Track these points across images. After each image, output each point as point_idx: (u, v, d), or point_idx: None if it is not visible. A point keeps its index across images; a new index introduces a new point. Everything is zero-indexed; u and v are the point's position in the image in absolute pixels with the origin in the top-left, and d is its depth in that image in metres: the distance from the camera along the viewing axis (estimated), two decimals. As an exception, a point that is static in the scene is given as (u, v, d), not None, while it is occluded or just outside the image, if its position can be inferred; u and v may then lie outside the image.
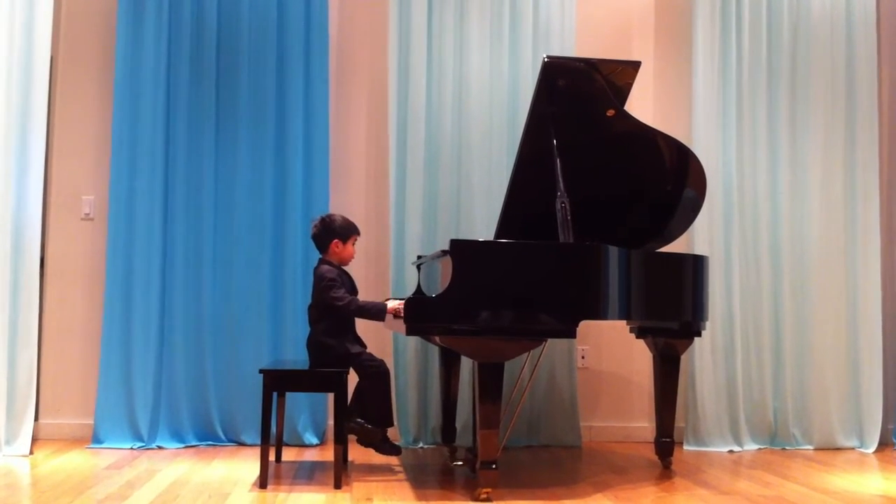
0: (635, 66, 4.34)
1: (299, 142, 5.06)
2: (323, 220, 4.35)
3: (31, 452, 4.64)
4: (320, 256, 4.33)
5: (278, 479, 4.10)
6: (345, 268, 4.33)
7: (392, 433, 4.24)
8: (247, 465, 4.42)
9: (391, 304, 4.00)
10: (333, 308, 4.14)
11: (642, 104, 5.30)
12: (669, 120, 5.31)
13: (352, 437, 4.24)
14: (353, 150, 5.32)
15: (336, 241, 4.28)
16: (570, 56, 4.98)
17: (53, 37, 4.95)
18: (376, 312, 4.07)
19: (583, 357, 5.33)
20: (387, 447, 4.15)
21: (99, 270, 5.03)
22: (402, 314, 3.70)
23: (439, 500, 3.72)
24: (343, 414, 4.00)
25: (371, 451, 4.22)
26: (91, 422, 4.93)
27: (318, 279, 4.21)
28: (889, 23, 5.51)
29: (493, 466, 3.69)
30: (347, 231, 4.30)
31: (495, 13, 5.19)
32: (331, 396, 4.78)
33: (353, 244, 4.34)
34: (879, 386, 5.21)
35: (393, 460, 4.52)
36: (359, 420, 4.12)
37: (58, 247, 5.13)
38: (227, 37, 5.08)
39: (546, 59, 4.17)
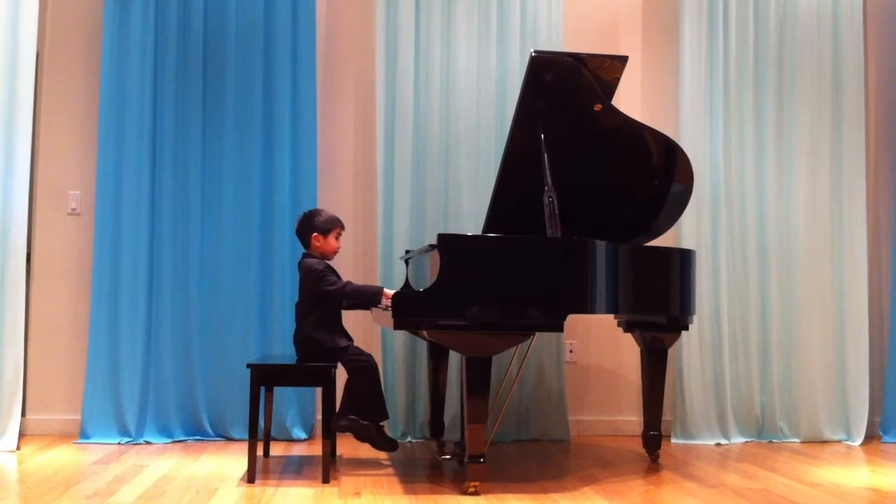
0: (623, 60, 4.35)
1: (286, 138, 5.05)
2: (304, 214, 4.33)
3: (19, 448, 4.63)
4: (304, 251, 4.32)
5: (266, 474, 4.10)
6: (331, 263, 4.31)
7: (381, 428, 4.25)
8: (234, 459, 4.41)
9: (388, 290, 3.97)
10: (327, 295, 4.11)
11: (630, 99, 5.31)
12: (656, 115, 5.32)
13: (346, 434, 4.22)
14: (341, 145, 5.31)
15: (316, 234, 4.24)
16: (558, 51, 4.98)
17: (39, 32, 4.93)
18: (372, 294, 4.05)
19: (571, 351, 5.34)
20: (384, 442, 4.15)
21: (86, 266, 5.01)
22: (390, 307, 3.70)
23: (427, 494, 3.73)
24: (331, 408, 4.00)
25: (359, 446, 4.21)
26: (78, 417, 4.92)
27: (306, 273, 4.18)
28: (875, 20, 5.52)
29: (481, 460, 3.70)
30: (328, 225, 4.25)
31: (482, 8, 5.18)
32: (319, 391, 4.80)
33: (337, 238, 4.29)
34: (866, 379, 5.23)
35: (381, 455, 4.53)
36: (352, 416, 4.10)
37: (44, 242, 5.11)
38: (214, 32, 5.06)
39: (533, 54, 4.17)
